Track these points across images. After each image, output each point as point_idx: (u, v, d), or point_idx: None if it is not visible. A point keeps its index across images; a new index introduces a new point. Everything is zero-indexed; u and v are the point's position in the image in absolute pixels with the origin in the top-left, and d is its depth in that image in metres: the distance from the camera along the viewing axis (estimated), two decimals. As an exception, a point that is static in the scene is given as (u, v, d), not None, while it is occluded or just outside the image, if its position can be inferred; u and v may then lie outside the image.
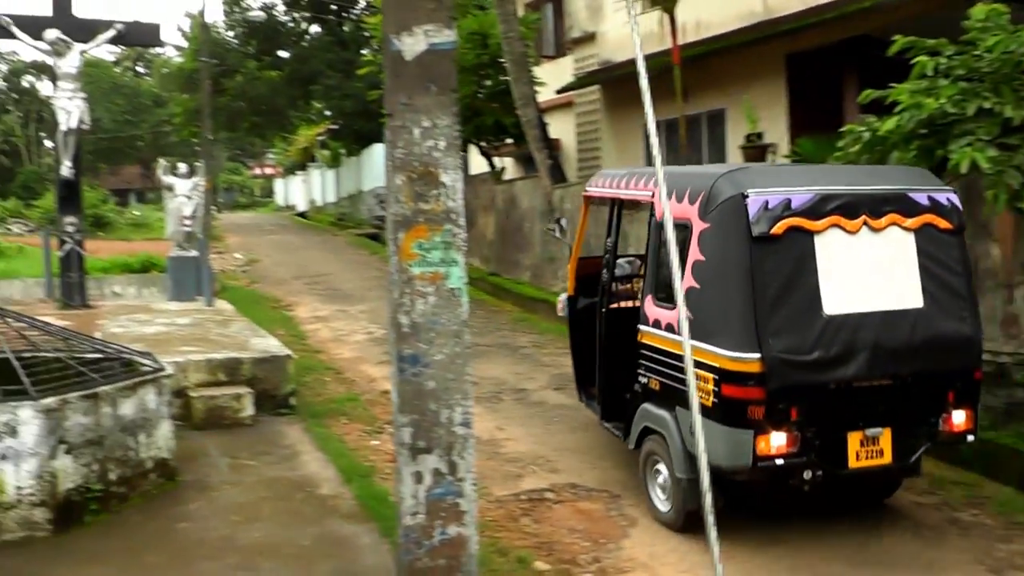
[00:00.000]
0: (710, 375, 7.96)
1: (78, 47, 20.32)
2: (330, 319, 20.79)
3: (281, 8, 47.70)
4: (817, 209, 7.98)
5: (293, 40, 48.28)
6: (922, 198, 8.39)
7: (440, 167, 5.34)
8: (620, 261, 11.06)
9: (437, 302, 5.38)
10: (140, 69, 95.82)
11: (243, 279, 27.59)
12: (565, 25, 28.29)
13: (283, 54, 47.79)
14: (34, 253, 29.16)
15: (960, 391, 8.37)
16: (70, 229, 20.71)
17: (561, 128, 27.44)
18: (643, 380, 9.18)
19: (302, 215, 56.13)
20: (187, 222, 21.46)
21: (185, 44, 54.78)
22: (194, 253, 21.57)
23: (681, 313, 6.75)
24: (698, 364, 7.63)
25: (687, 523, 8.48)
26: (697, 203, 8.38)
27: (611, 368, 10.09)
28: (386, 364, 15.84)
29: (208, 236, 24.19)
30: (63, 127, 20.26)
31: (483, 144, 27.27)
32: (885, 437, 8.11)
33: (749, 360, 7.72)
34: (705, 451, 6.41)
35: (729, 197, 8.08)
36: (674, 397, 8.52)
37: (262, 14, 43.37)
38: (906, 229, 8.27)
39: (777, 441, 7.73)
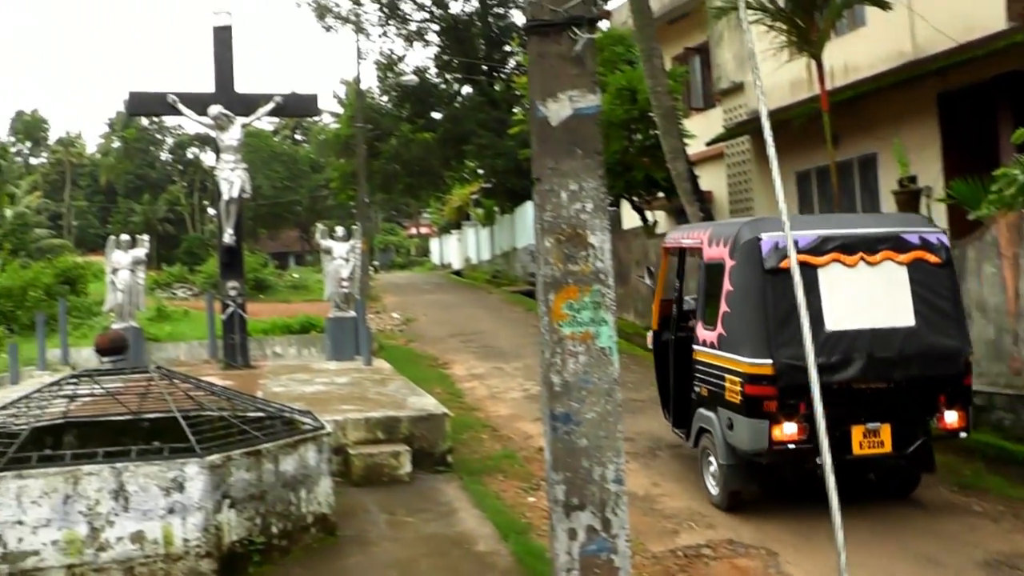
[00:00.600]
0: (737, 379, 10.34)
1: (239, 120, 21.18)
2: (486, 377, 21.01)
3: (433, 71, 48.76)
4: (819, 248, 10.27)
5: (445, 101, 49.16)
6: (913, 238, 10.64)
7: (588, 229, 5.45)
8: (687, 298, 13.29)
9: (588, 361, 5.48)
10: (298, 137, 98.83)
11: (400, 338, 28.07)
12: (713, 77, 28.27)
13: (436, 115, 48.65)
14: (198, 316, 30.18)
15: (951, 395, 10.43)
16: (232, 293, 21.47)
17: (712, 180, 27.35)
18: (697, 389, 11.65)
19: (457, 273, 56.89)
20: (345, 283, 22.01)
21: (340, 110, 56.46)
22: (352, 314, 22.10)
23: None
24: (729, 371, 10.51)
25: (731, 502, 10.95)
26: (728, 247, 10.81)
27: (679, 384, 12.54)
28: (542, 421, 16.02)
29: (365, 297, 24.74)
30: (225, 196, 21.09)
31: (635, 199, 27.32)
32: (885, 431, 10.20)
33: (763, 364, 10.01)
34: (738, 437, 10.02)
35: (748, 240, 10.49)
36: (716, 400, 10.91)
37: (415, 78, 44.25)
38: (899, 263, 10.48)
39: (789, 430, 9.96)
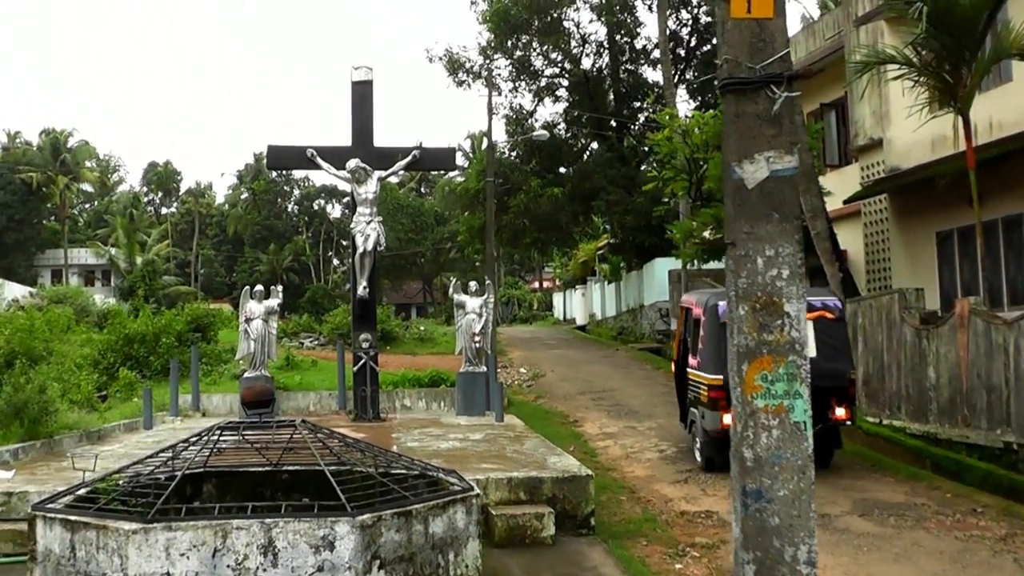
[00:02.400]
0: (705, 387, 16.69)
1: (377, 174, 21.38)
2: (619, 436, 20.67)
3: (562, 126, 48.70)
4: None
5: (574, 157, 49.11)
6: (817, 303, 16.68)
7: (784, 297, 5.20)
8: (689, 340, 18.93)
9: (781, 436, 5.21)
10: (423, 189, 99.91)
11: (529, 394, 27.88)
12: (850, 133, 27.75)
13: (564, 170, 48.58)
14: (326, 366, 30.31)
15: (840, 398, 16.51)
16: (364, 345, 21.53)
17: (848, 238, 26.75)
18: (691, 396, 18.09)
19: (581, 328, 56.50)
20: (477, 338, 21.96)
21: (466, 164, 56.84)
22: (483, 369, 22.01)
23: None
24: (702, 383, 16.82)
25: (707, 465, 16.88)
26: (703, 309, 17.38)
27: (681, 393, 19.31)
28: (681, 484, 15.66)
29: (495, 352, 24.62)
30: (360, 249, 21.21)
31: (767, 257, 26.82)
32: None
33: (718, 378, 15.91)
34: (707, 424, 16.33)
35: (712, 305, 16.79)
36: (697, 401, 17.46)
37: (545, 132, 44.25)
38: (808, 319, 13.17)
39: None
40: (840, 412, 16.48)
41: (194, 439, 10.31)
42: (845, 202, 25.62)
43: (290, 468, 11.00)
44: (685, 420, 18.86)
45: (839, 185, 26.69)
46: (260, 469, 11.02)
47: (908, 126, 23.23)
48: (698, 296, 18.88)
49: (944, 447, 17.20)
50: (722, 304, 15.82)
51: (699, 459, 17.28)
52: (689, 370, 18.12)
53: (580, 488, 12.42)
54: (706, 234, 28.03)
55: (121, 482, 9.70)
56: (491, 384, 21.93)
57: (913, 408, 18.49)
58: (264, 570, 8.00)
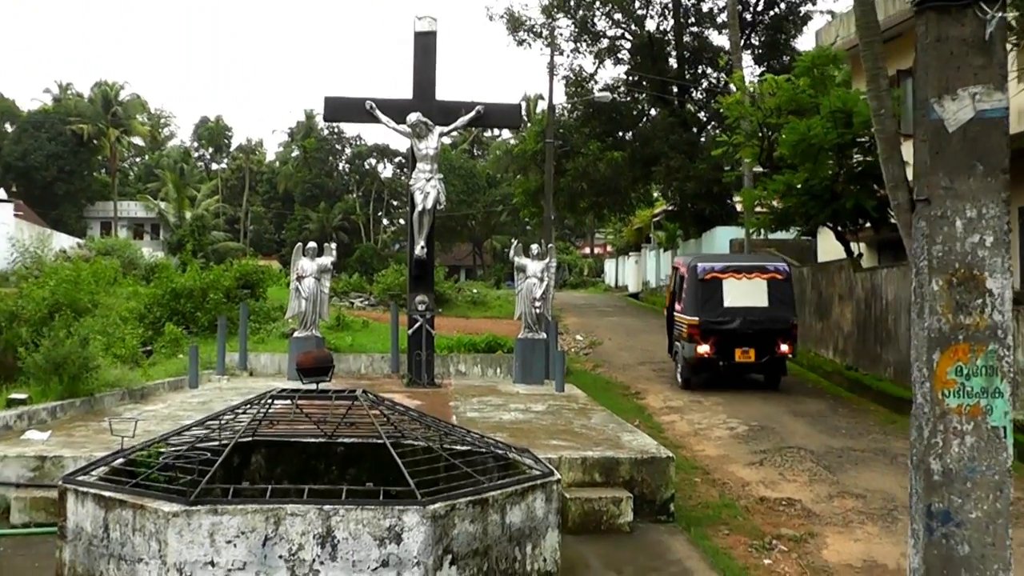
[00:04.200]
0: (685, 326, 22.58)
1: (438, 129, 20.39)
2: (685, 411, 19.64)
3: (623, 89, 47.52)
4: (724, 270, 22.71)
5: (634, 121, 47.95)
6: (770, 266, 23.04)
7: (986, 270, 4.18)
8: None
9: (976, 444, 4.18)
10: (475, 151, 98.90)
11: (587, 362, 26.93)
12: (931, 103, 26.44)
13: (624, 135, 47.50)
14: (377, 327, 29.51)
15: (784, 337, 22.19)
16: (420, 307, 20.65)
17: (924, 213, 25.48)
18: (676, 333, 23.88)
19: (634, 296, 55.25)
20: (537, 304, 21.00)
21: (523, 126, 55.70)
22: (543, 335, 21.07)
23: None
24: (684, 323, 22.79)
25: (684, 384, 22.75)
26: (687, 268, 23.34)
27: (671, 334, 24.76)
28: (757, 466, 14.63)
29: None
30: (419, 207, 20.32)
31: (839, 228, 25.63)
32: (752, 352, 22.15)
33: (694, 319, 22.27)
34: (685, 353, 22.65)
35: (693, 266, 23.02)
36: (680, 336, 23.16)
37: (608, 94, 43.05)
38: (762, 279, 22.59)
39: (705, 348, 22.05)
40: (784, 348, 22.35)
41: (243, 407, 9.43)
42: (923, 173, 24.36)
43: (347, 440, 10.11)
44: (671, 350, 24.95)
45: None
46: (314, 440, 10.12)
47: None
48: (685, 259, 25.43)
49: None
50: (701, 264, 23.14)
51: (679, 380, 23.28)
52: (675, 314, 24.20)
53: (660, 471, 11.38)
54: (775, 203, 26.80)
55: (163, 452, 8.80)
56: (552, 352, 20.99)
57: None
58: (321, 563, 7.06)
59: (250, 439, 9.56)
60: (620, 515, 10.67)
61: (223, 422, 9.23)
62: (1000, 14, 4.07)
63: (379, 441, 8.56)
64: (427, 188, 20.32)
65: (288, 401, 9.16)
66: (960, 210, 4.14)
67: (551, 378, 20.51)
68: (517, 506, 7.95)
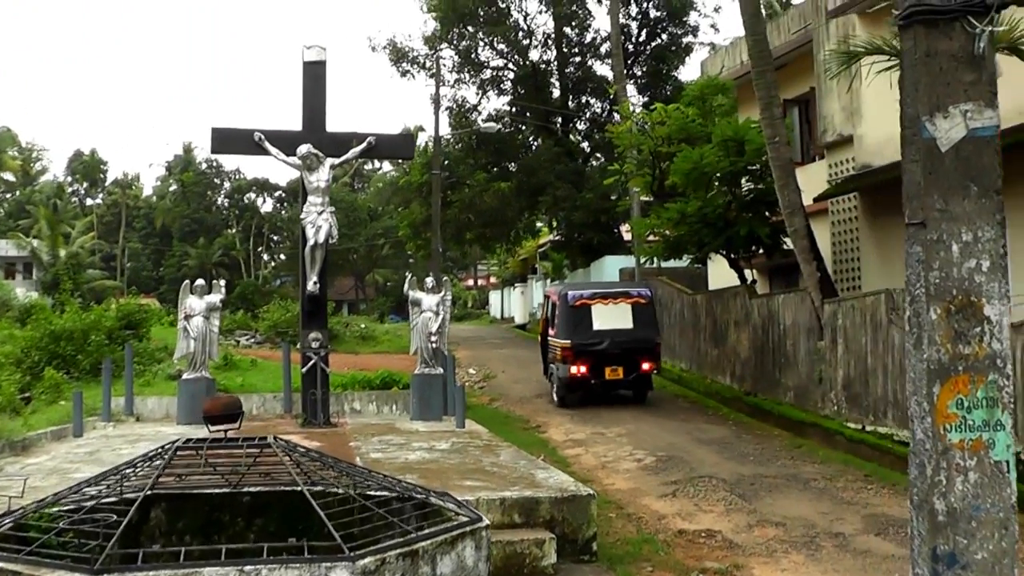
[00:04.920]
0: (559, 348, 24.86)
1: (329, 161, 19.93)
2: (588, 443, 19.36)
3: (507, 120, 47.46)
4: (592, 296, 25.22)
5: (520, 151, 47.91)
6: (634, 291, 25.69)
7: (984, 296, 3.92)
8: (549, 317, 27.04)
9: (979, 480, 3.93)
10: (356, 185, 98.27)
11: (483, 396, 26.61)
12: (816, 129, 26.78)
13: (510, 165, 47.45)
14: (266, 366, 28.82)
15: (647, 356, 24.57)
16: (315, 344, 20.09)
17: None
18: (551, 356, 26.20)
19: (521, 327, 54.98)
20: (434, 338, 20.65)
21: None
22: (440, 371, 20.69)
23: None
24: (558, 346, 25.12)
25: (560, 403, 24.79)
26: (559, 296, 25.82)
27: (544, 355, 27.32)
28: (670, 498, 14.43)
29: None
30: (311, 242, 19.78)
31: (732, 256, 25.77)
32: (620, 369, 24.33)
33: (567, 342, 24.44)
34: (560, 373, 24.96)
35: (565, 294, 25.57)
36: (555, 359, 25.46)
37: (495, 124, 42.91)
38: (627, 303, 25.16)
39: (579, 369, 24.10)
40: (646, 366, 24.51)
41: (144, 459, 8.86)
42: (815, 200, 24.50)
43: (252, 490, 9.57)
44: (547, 373, 27.01)
45: (803, 183, 25.63)
46: (218, 491, 9.57)
47: (881, 122, 22.26)
48: (556, 288, 28.82)
49: (939, 457, 16.14)
50: (571, 292, 25.63)
51: (555, 399, 25.33)
52: (550, 338, 26.38)
53: (581, 509, 11.02)
54: (666, 232, 26.83)
55: (57, 513, 8.16)
56: (450, 387, 20.59)
57: (901, 414, 17.42)
58: (244, 627, 6.55)
59: (149, 492, 8.98)
60: (543, 557, 10.30)
61: (123, 476, 8.66)
62: (990, 28, 3.85)
63: (287, 489, 8.10)
64: (319, 221, 19.78)
65: (193, 451, 8.62)
66: (956, 233, 3.91)
67: (449, 414, 20.11)
68: (447, 556, 7.52)
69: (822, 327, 20.50)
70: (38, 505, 8.43)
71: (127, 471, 8.79)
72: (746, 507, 13.85)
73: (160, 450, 8.80)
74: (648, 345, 24.58)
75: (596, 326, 24.55)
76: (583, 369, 24.02)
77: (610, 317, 24.72)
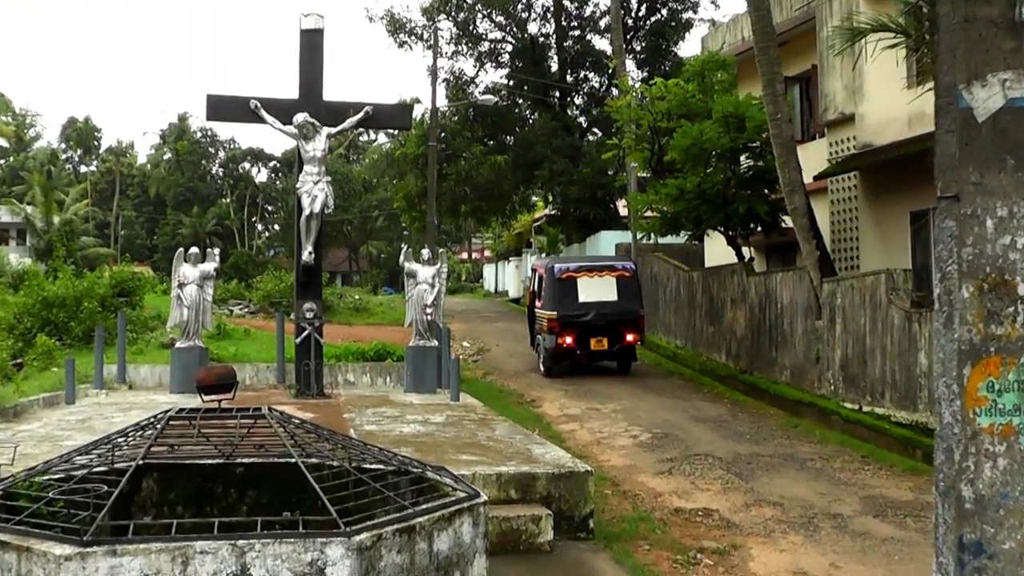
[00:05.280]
0: (546, 320, 25.82)
1: (326, 131, 19.71)
2: (583, 419, 19.25)
3: (504, 93, 47.11)
4: (578, 270, 26.11)
5: (516, 125, 47.66)
6: (619, 265, 26.73)
7: (1018, 275, 3.73)
8: (536, 290, 28.01)
9: (1009, 467, 3.75)
10: (351, 156, 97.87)
11: (477, 369, 26.47)
12: (818, 107, 26.55)
13: (506, 138, 47.20)
14: (259, 336, 28.65)
15: (631, 328, 25.50)
16: (308, 315, 19.93)
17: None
18: (537, 327, 27.27)
19: (515, 301, 54.74)
20: (429, 310, 20.48)
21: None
22: (435, 343, 20.54)
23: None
24: (544, 317, 26.03)
25: (547, 373, 25.73)
26: (546, 269, 26.90)
27: (531, 326, 28.42)
28: (666, 475, 14.31)
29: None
30: (307, 211, 19.55)
31: (730, 233, 25.59)
32: (604, 340, 25.20)
33: (553, 314, 25.33)
34: (546, 344, 25.85)
35: (551, 267, 26.57)
36: (541, 330, 26.45)
37: (492, 97, 42.52)
38: (612, 276, 25.98)
39: (565, 339, 25.07)
40: (630, 338, 25.34)
41: (136, 429, 8.69)
42: (815, 178, 24.31)
43: (245, 461, 9.39)
44: (534, 343, 27.94)
45: (803, 161, 25.47)
46: (211, 461, 9.39)
47: (883, 101, 22.10)
48: (543, 261, 30.10)
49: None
50: (557, 265, 26.55)
51: (542, 369, 26.18)
52: (536, 310, 27.36)
53: (578, 486, 10.87)
54: (664, 208, 26.64)
55: (48, 482, 7.99)
56: (445, 360, 20.41)
57: (900, 395, 17.32)
58: (236, 605, 6.38)
59: (142, 462, 8.80)
60: (540, 533, 10.17)
61: (114, 445, 8.48)
62: (1031, -9, 3.66)
63: (280, 461, 7.93)
64: (315, 191, 19.57)
65: (186, 421, 8.45)
66: (991, 208, 3.72)
67: (443, 387, 19.97)
68: (444, 532, 7.35)
69: (820, 306, 20.35)
70: (27, 474, 8.25)
71: (118, 440, 8.62)
72: (743, 486, 13.74)
73: (152, 419, 8.62)
74: (632, 317, 25.55)
75: (581, 298, 25.42)
76: (569, 340, 25.05)
77: (595, 290, 25.64)
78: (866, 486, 13.89)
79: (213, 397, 8.78)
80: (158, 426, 8.41)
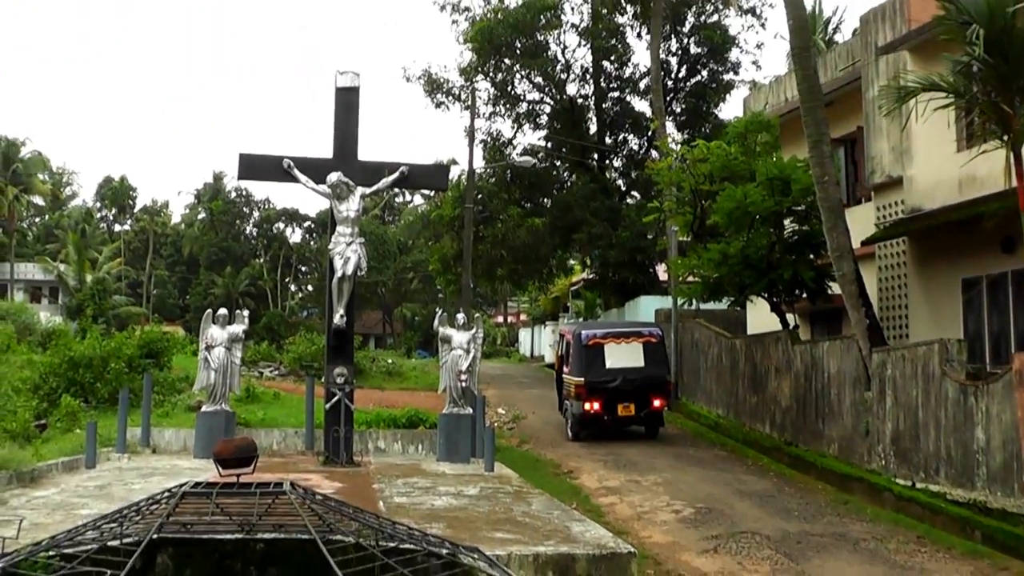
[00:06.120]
0: (573, 385, 26.48)
1: (360, 191, 19.46)
2: (623, 491, 18.62)
3: (542, 154, 46.84)
4: (604, 336, 26.84)
5: (554, 187, 47.34)
6: (645, 331, 27.40)
7: None
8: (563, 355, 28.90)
9: None
10: (387, 217, 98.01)
11: (512, 438, 25.95)
12: (864, 170, 26.02)
13: (544, 201, 46.90)
14: (288, 400, 28.30)
15: (658, 393, 26.22)
16: (339, 380, 19.52)
17: (859, 283, 24.97)
18: (565, 392, 27.95)
19: (551, 366, 54.15)
20: (463, 376, 20.08)
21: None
22: (469, 411, 20.09)
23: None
24: (572, 383, 26.70)
25: (575, 437, 26.18)
26: (573, 335, 27.67)
27: (561, 393, 28.78)
28: (712, 554, 13.69)
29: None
30: (339, 273, 19.24)
31: (775, 299, 25.01)
32: (632, 406, 25.72)
33: (580, 379, 25.96)
34: (574, 410, 26.56)
35: (578, 333, 27.27)
36: (569, 395, 27.23)
37: (530, 159, 42.20)
38: (639, 342, 26.62)
39: (592, 405, 25.64)
40: (657, 403, 25.92)
41: (149, 503, 8.20)
42: (862, 243, 23.70)
43: (267, 537, 8.88)
44: (562, 408, 28.44)
45: (848, 226, 24.94)
46: (230, 537, 8.87)
47: (932, 164, 21.60)
48: (571, 327, 30.34)
49: (996, 518, 15.30)
50: (584, 331, 27.14)
51: (569, 434, 26.58)
52: (564, 376, 27.84)
53: (620, 568, 10.23)
54: (703, 272, 26.10)
55: (55, 558, 7.52)
56: (479, 428, 19.94)
57: (956, 472, 16.62)
58: None
59: (155, 535, 8.29)
60: (580, 620, 9.57)
61: (127, 519, 8.01)
62: None
63: (304, 537, 7.44)
64: (347, 253, 19.27)
65: (204, 497, 7.96)
66: None
67: (477, 456, 19.48)
68: (478, 624, 6.83)
69: (869, 377, 19.70)
70: (31, 550, 7.80)
71: (131, 514, 8.16)
72: (793, 567, 13.11)
73: (168, 493, 8.15)
74: (659, 382, 26.36)
75: (608, 364, 26.00)
76: (596, 405, 25.62)
77: (622, 355, 26.26)
78: (924, 570, 13.25)
79: (232, 472, 8.30)
80: (173, 500, 7.94)
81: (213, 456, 8.69)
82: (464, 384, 20.09)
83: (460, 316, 21.04)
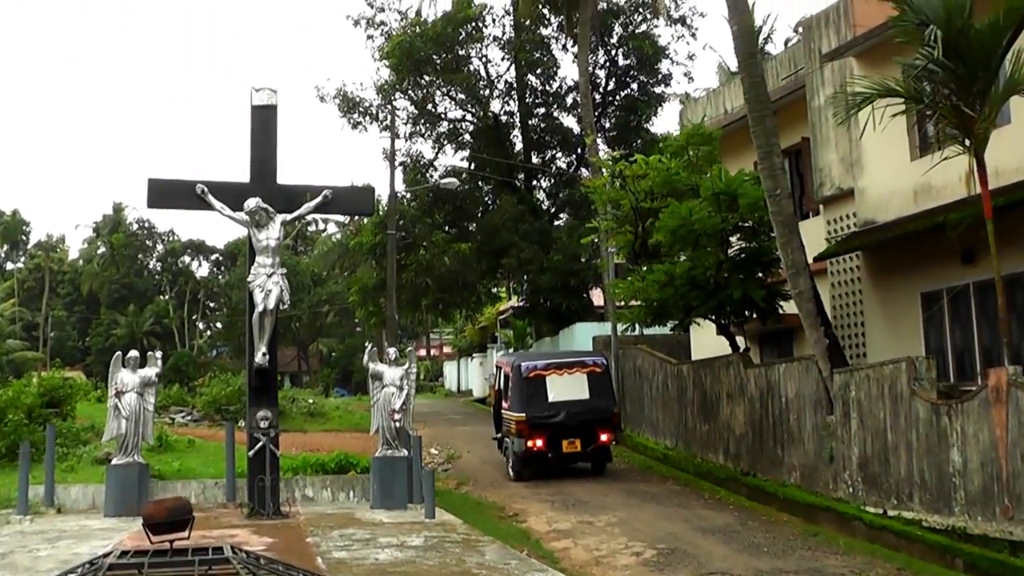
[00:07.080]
0: (514, 422, 25.25)
1: (280, 217, 19.03)
2: (576, 534, 18.04)
3: (465, 176, 46.45)
4: (546, 367, 25.83)
5: (480, 209, 46.92)
6: (589, 360, 26.57)
7: None
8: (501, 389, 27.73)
9: None
10: (299, 247, 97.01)
11: (448, 480, 25.26)
12: (810, 182, 25.93)
13: (469, 225, 46.49)
14: (204, 447, 27.49)
15: (605, 427, 25.27)
16: (263, 424, 19.01)
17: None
18: (504, 429, 26.68)
19: (480, 401, 53.30)
20: (397, 416, 19.67)
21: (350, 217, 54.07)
22: (404, 452, 19.56)
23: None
24: (512, 419, 25.54)
25: (516, 476, 25.28)
26: (511, 367, 26.33)
27: (497, 427, 28.01)
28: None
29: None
30: (260, 307, 18.73)
31: (723, 321, 24.75)
32: (577, 442, 24.78)
33: (521, 416, 24.95)
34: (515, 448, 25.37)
35: (518, 365, 26.04)
36: (508, 432, 25.96)
37: (455, 180, 41.74)
38: (582, 372, 25.76)
39: (535, 442, 24.62)
40: (604, 438, 25.08)
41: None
42: (814, 259, 23.47)
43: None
44: (501, 447, 27.41)
45: (802, 241, 24.85)
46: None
47: (885, 174, 21.57)
48: (509, 359, 28.14)
49: (978, 544, 15.08)
50: (524, 363, 26.07)
51: (511, 474, 25.64)
52: (503, 411, 26.79)
53: (596, 626, 9.81)
54: (651, 295, 25.73)
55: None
56: (416, 471, 19.40)
57: (931, 497, 16.39)
58: None
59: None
60: None
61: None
62: None
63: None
64: (268, 285, 18.83)
65: (133, 570, 7.30)
66: None
67: (414, 502, 18.99)
68: None
69: (831, 399, 19.43)
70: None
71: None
72: (774, 611, 12.68)
73: (89, 565, 7.48)
74: (605, 415, 25.32)
75: (551, 397, 25.14)
76: (539, 443, 24.56)
77: (565, 388, 25.37)
78: (912, 608, 12.87)
79: (164, 537, 7.67)
80: (98, 575, 7.27)
81: (143, 520, 8.05)
82: (398, 424, 19.68)
83: (391, 351, 20.56)
